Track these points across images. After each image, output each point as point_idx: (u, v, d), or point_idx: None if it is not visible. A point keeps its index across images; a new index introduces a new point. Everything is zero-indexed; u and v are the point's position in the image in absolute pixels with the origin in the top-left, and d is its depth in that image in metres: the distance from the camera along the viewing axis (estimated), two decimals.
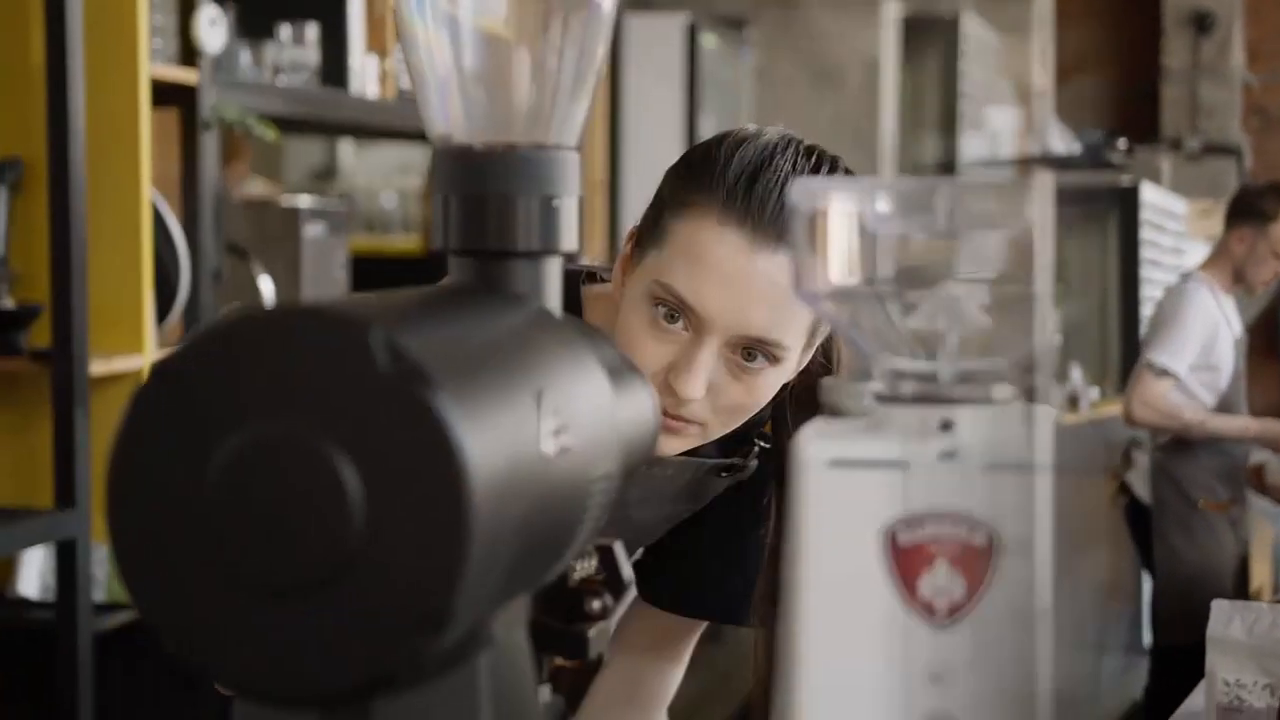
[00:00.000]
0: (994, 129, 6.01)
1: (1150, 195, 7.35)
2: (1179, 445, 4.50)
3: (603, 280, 1.46)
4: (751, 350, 1.27)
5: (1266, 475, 4.96)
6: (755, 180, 1.27)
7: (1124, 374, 7.60)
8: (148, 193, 2.79)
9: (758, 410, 1.33)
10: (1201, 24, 8.16)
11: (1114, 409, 6.80)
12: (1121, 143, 6.91)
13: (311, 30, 3.47)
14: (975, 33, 7.61)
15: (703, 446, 1.39)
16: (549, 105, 0.78)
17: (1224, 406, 4.50)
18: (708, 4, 6.08)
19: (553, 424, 0.68)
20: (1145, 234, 7.27)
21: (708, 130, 5.10)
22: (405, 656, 0.60)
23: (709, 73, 5.64)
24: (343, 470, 0.60)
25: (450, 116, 0.78)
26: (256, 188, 4.78)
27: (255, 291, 3.21)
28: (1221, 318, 4.54)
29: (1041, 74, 6.95)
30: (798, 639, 0.68)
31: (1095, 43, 8.20)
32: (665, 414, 1.27)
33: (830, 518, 0.67)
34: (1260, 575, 5.13)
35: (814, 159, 1.30)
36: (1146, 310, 7.53)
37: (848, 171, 1.34)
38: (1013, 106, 6.14)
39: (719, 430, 1.33)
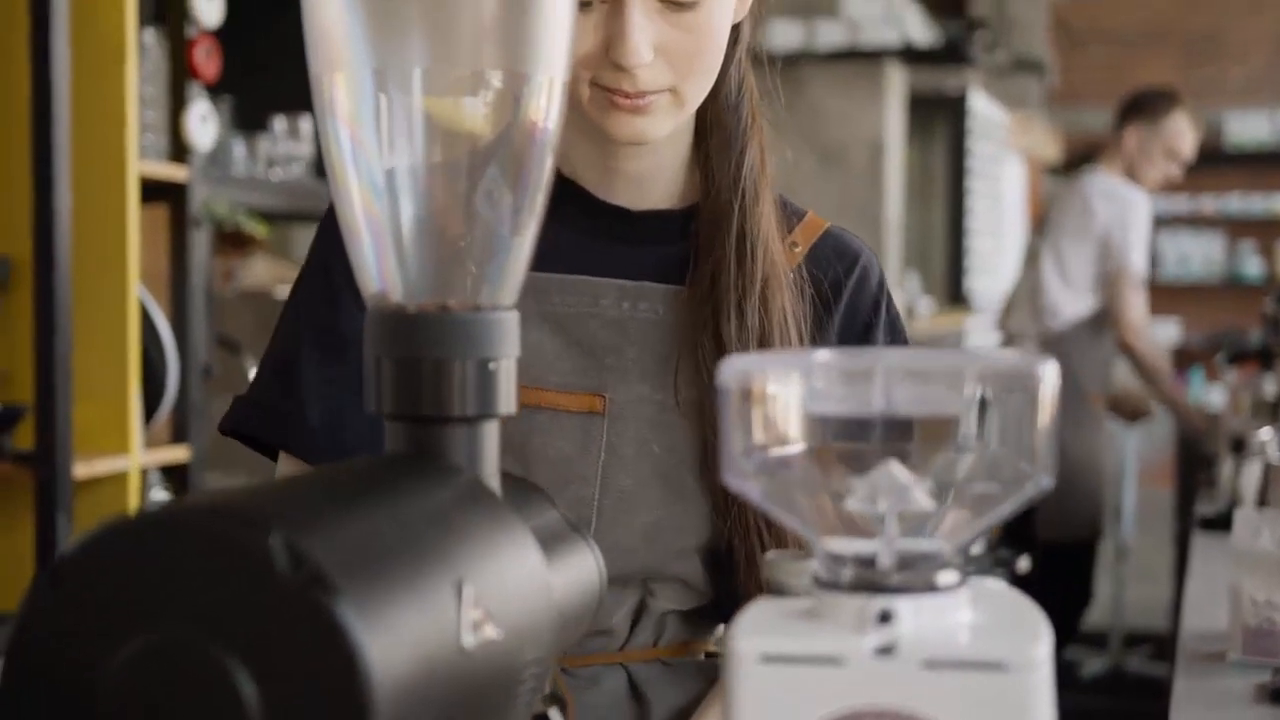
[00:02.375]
0: (852, 17, 5.96)
1: (977, 104, 7.35)
2: (1068, 336, 4.50)
3: None
4: (679, 1, 1.20)
5: (1127, 402, 4.94)
6: None
7: (951, 283, 7.59)
8: (135, 291, 2.77)
9: (719, 53, 1.25)
10: None
11: (950, 321, 6.78)
12: (979, 36, 6.83)
13: (306, 123, 3.47)
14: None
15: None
16: (485, 265, 0.76)
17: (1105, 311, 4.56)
18: None
19: (475, 615, 0.65)
20: (970, 143, 7.28)
21: None
22: None
23: None
24: (240, 681, 0.57)
25: (384, 275, 0.76)
26: (261, 268, 4.77)
27: (247, 387, 3.18)
28: None
29: None
30: None
31: None
32: (627, 96, 1.22)
33: (764, 716, 0.64)
34: None
35: None
36: (971, 221, 7.55)
37: None
38: None
39: (693, 93, 1.25)
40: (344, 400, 1.27)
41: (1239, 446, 3.07)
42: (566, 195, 1.31)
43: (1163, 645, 5.28)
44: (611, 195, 1.34)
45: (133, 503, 2.80)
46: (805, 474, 0.67)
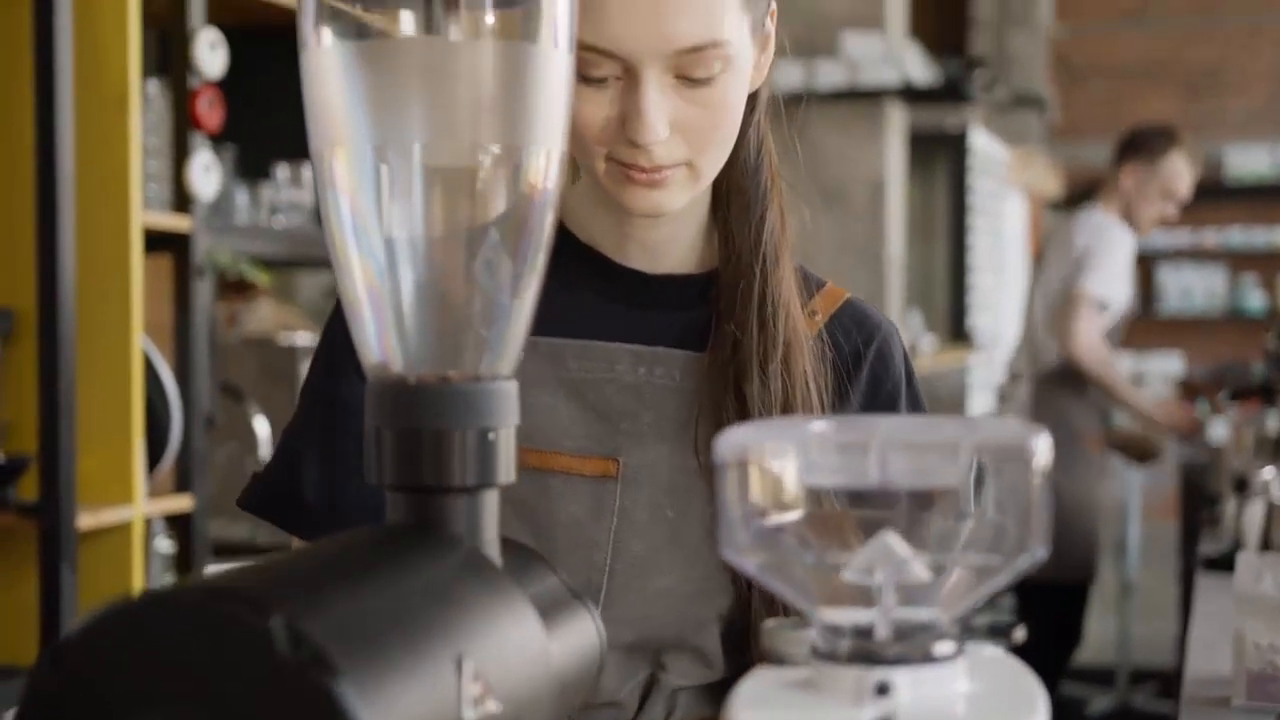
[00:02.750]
0: (852, 57, 5.93)
1: (978, 141, 7.36)
2: (1063, 378, 4.47)
3: None
4: (694, 77, 1.19)
5: (1135, 444, 4.91)
6: None
7: (953, 321, 7.59)
8: (139, 342, 2.78)
9: (735, 126, 1.24)
10: None
11: (953, 358, 6.77)
12: (979, 74, 6.81)
13: (308, 170, 3.48)
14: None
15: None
16: (486, 332, 0.76)
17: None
18: None
19: (475, 689, 0.65)
20: (971, 180, 7.29)
21: None
22: None
23: None
24: None
25: (385, 347, 0.76)
26: (265, 312, 4.78)
27: (250, 433, 3.19)
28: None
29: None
30: None
31: None
32: (643, 170, 1.21)
33: None
34: None
35: None
36: (973, 257, 7.56)
37: None
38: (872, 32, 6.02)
39: (709, 166, 1.24)
40: (342, 475, 1.28)
41: (1241, 486, 3.07)
42: (583, 259, 1.32)
43: (1169, 682, 5.27)
44: (628, 260, 1.33)
45: (137, 552, 2.80)
46: (802, 545, 0.68)
